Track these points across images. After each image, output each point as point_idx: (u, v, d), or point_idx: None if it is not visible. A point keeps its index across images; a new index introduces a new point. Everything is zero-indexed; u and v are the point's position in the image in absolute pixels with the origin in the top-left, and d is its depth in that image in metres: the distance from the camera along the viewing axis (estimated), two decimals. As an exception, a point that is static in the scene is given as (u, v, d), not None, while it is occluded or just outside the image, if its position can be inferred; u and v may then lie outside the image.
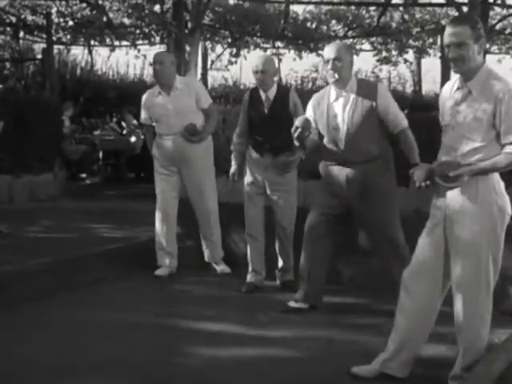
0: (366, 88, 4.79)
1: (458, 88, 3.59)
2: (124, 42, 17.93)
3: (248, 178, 5.60)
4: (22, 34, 16.79)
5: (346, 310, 5.08)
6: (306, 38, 17.99)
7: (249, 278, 5.60)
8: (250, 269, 5.61)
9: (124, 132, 13.26)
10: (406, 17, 17.52)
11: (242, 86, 17.23)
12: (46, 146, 10.37)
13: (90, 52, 17.75)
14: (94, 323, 4.76)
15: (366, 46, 19.30)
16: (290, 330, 4.65)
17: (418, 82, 20.40)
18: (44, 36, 15.91)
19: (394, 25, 17.83)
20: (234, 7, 17.53)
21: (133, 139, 12.73)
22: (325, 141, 4.86)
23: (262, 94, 5.51)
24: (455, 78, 3.65)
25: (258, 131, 5.52)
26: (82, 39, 17.67)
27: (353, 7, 17.74)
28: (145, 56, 17.26)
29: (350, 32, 18.47)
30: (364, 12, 17.94)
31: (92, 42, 17.80)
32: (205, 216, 6.10)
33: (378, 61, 18.95)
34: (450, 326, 3.67)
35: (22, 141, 9.88)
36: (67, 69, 16.76)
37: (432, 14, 17.84)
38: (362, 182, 4.74)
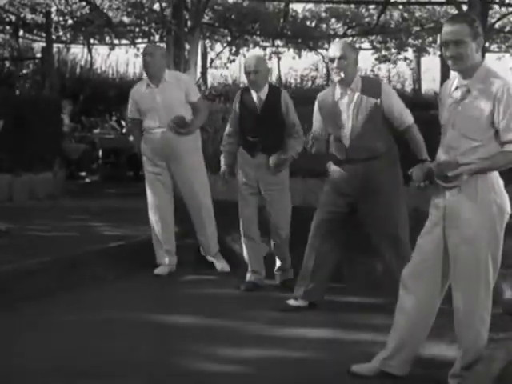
0: (371, 86, 4.81)
1: (457, 87, 3.59)
2: (123, 41, 17.94)
3: (241, 179, 5.58)
4: (21, 32, 16.80)
5: (345, 308, 5.08)
6: (305, 37, 18.01)
7: (248, 277, 5.61)
8: (249, 269, 5.61)
9: (124, 131, 13.26)
10: (406, 15, 17.53)
11: (241, 85, 17.23)
12: (46, 145, 10.36)
13: (90, 51, 17.75)
14: (93, 322, 4.76)
15: (366, 44, 19.32)
16: (290, 329, 4.65)
17: (417, 81, 20.41)
18: (43, 35, 15.93)
19: (393, 23, 17.84)
20: (234, 6, 17.52)
21: (132, 138, 12.71)
22: (331, 139, 4.88)
23: (254, 95, 5.48)
24: (454, 76, 3.65)
25: (249, 131, 5.49)
26: (82, 38, 17.67)
27: (352, 5, 17.74)
28: (144, 54, 17.26)
29: (350, 30, 18.47)
30: (363, 10, 17.94)
31: (91, 41, 17.80)
32: (196, 211, 6.09)
33: (376, 59, 18.96)
34: (449, 324, 3.67)
35: (21, 140, 9.88)
36: (67, 67, 16.78)
37: (431, 12, 17.85)
38: (367, 179, 4.76)
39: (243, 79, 17.95)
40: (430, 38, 18.47)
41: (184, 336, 4.50)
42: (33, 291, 5.16)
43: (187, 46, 13.69)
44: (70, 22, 16.64)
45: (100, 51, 18.74)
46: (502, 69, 16.68)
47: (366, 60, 18.97)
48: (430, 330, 3.74)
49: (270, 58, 19.27)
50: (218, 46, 19.18)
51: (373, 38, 18.74)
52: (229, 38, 18.40)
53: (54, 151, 10.79)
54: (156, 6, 15.98)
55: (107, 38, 17.86)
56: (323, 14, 18.26)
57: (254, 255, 5.60)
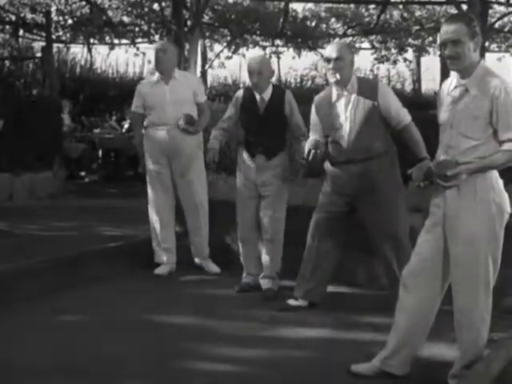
0: (367, 87, 4.81)
1: (456, 86, 3.59)
2: (123, 40, 17.94)
3: (240, 181, 5.50)
4: (21, 32, 16.79)
5: (345, 308, 5.07)
6: (305, 36, 18.01)
7: (243, 277, 5.59)
8: (244, 270, 5.60)
9: (124, 130, 13.26)
10: (406, 15, 17.53)
11: (241, 85, 17.23)
12: (46, 145, 10.37)
13: (90, 50, 17.76)
14: (93, 322, 4.76)
15: (366, 44, 19.31)
16: (290, 329, 4.65)
17: (417, 81, 20.40)
18: (43, 34, 15.92)
19: (393, 23, 17.83)
20: (234, 5, 17.52)
21: (133, 133, 12.68)
22: (329, 140, 4.88)
23: (257, 96, 5.37)
24: (453, 76, 3.66)
25: (251, 132, 5.41)
26: (82, 37, 17.67)
27: (352, 5, 17.74)
28: (144, 54, 17.28)
29: (350, 30, 18.47)
30: (363, 10, 17.94)
31: (91, 41, 17.81)
32: (193, 209, 6.08)
33: (376, 59, 18.95)
34: (449, 324, 3.67)
35: (21, 139, 9.89)
36: (67, 67, 16.77)
37: (431, 12, 17.85)
38: (366, 179, 4.76)
39: (243, 79, 17.97)
40: (430, 38, 18.46)
41: (184, 336, 4.50)
42: (33, 291, 5.16)
43: (187, 46, 13.70)
44: (69, 21, 16.64)
45: (100, 51, 18.76)
46: (503, 69, 16.68)
47: (366, 60, 18.97)
48: (430, 330, 3.74)
49: (270, 58, 19.27)
50: (218, 47, 19.18)
51: (372, 37, 18.72)
52: (228, 38, 18.39)
53: (53, 151, 10.80)
54: (156, 6, 15.98)
55: (107, 38, 17.85)
56: (323, 14, 18.26)
57: (248, 259, 5.56)
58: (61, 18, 16.51)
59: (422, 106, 14.05)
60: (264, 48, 19.12)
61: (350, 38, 18.55)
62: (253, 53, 18.98)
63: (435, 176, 3.56)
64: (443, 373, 3.67)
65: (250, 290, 5.47)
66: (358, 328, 4.64)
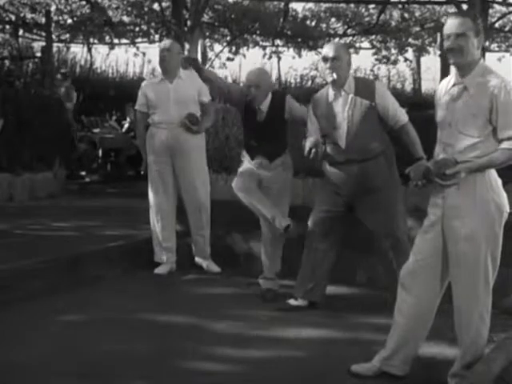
0: (364, 87, 4.80)
1: (454, 84, 3.59)
2: (123, 40, 17.95)
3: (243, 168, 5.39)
4: (21, 31, 16.81)
5: (346, 308, 5.08)
6: (305, 36, 18.02)
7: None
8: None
9: (124, 129, 13.27)
10: (406, 15, 17.54)
11: (241, 84, 17.20)
12: (46, 145, 10.38)
13: (90, 50, 17.77)
14: (93, 322, 4.76)
15: (366, 44, 19.32)
16: (290, 328, 4.65)
17: (417, 81, 20.41)
18: (43, 34, 15.93)
19: (393, 23, 17.84)
20: (234, 5, 17.52)
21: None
22: (326, 140, 4.88)
23: (256, 106, 5.28)
24: (452, 74, 3.66)
25: (251, 138, 5.37)
26: (82, 37, 17.68)
27: (352, 5, 17.75)
28: (144, 54, 17.29)
29: (350, 30, 18.49)
30: (363, 10, 17.96)
31: (91, 40, 17.81)
32: (196, 208, 6.07)
33: (377, 59, 18.96)
34: (449, 324, 3.67)
35: (21, 139, 9.89)
36: (66, 67, 16.75)
37: (431, 12, 17.87)
38: (363, 179, 4.76)
39: (243, 79, 17.95)
40: (430, 38, 18.46)
41: (184, 336, 4.50)
42: (33, 291, 5.16)
43: (187, 46, 13.70)
44: (69, 21, 16.65)
45: (100, 50, 18.78)
46: (503, 69, 16.67)
47: (367, 59, 18.98)
48: (430, 330, 3.74)
49: (270, 58, 19.30)
50: (218, 46, 19.19)
51: (373, 37, 18.73)
52: (228, 38, 18.40)
53: (53, 151, 10.80)
54: (156, 6, 15.99)
55: (107, 38, 17.86)
56: (323, 14, 18.26)
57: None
58: (61, 18, 16.52)
59: (422, 105, 14.07)
60: (264, 48, 19.12)
61: (350, 38, 18.56)
62: (253, 53, 19.04)
63: (434, 175, 3.55)
64: (443, 373, 3.67)
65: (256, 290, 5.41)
66: (358, 328, 4.64)
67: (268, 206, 5.20)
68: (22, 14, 16.08)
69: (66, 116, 12.09)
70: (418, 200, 5.30)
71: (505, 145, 3.44)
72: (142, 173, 6.37)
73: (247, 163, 5.42)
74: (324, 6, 18.05)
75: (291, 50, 19.17)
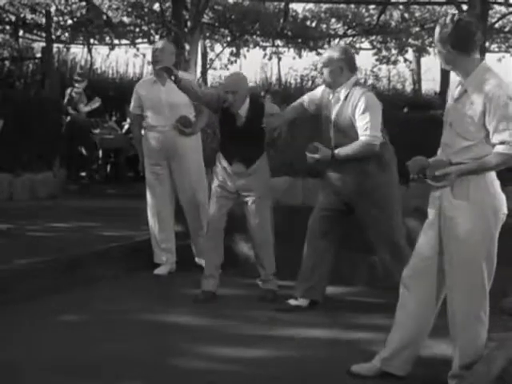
0: (354, 95, 4.80)
1: (458, 85, 3.60)
2: (123, 41, 17.92)
3: (214, 187, 5.39)
4: (21, 32, 16.78)
5: (345, 308, 5.08)
6: (305, 37, 18.00)
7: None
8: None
9: (124, 130, 13.25)
10: (406, 15, 17.52)
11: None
12: (46, 145, 10.37)
13: (90, 51, 17.73)
14: (93, 322, 4.76)
15: (366, 44, 19.30)
16: (290, 328, 4.65)
17: (417, 81, 20.39)
18: (43, 34, 15.91)
19: (393, 23, 17.83)
20: (234, 5, 17.51)
21: (132, 134, 12.67)
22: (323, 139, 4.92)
23: (235, 111, 5.24)
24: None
25: (228, 142, 5.31)
26: (82, 38, 17.66)
27: (352, 5, 17.73)
28: (144, 55, 17.27)
29: (350, 30, 18.46)
30: (364, 10, 17.93)
31: (91, 41, 17.78)
32: (194, 209, 6.08)
33: (377, 60, 18.95)
34: (449, 324, 3.67)
35: (21, 139, 9.89)
36: (67, 67, 16.74)
37: (432, 12, 17.84)
38: (359, 181, 4.79)
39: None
40: (431, 38, 18.43)
41: (184, 336, 4.50)
42: (32, 291, 5.16)
43: (187, 47, 13.69)
44: (69, 21, 16.64)
45: (100, 51, 18.73)
46: (503, 70, 16.67)
47: (367, 60, 18.95)
48: (431, 330, 3.74)
49: (271, 58, 19.29)
50: (219, 47, 19.17)
51: (373, 38, 18.72)
52: (229, 38, 18.39)
53: (53, 151, 10.80)
54: (156, 7, 15.98)
55: (107, 38, 17.83)
56: (323, 14, 18.24)
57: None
58: (61, 19, 16.50)
59: (422, 106, 14.07)
60: (264, 48, 19.11)
61: (351, 39, 18.55)
62: (253, 53, 19.04)
63: (427, 176, 3.56)
64: (444, 372, 3.67)
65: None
66: (358, 328, 4.64)
67: (213, 262, 5.41)
68: (22, 15, 16.04)
69: (79, 118, 12.09)
70: (419, 201, 5.29)
71: (497, 149, 3.43)
72: (141, 174, 6.37)
73: (220, 173, 5.35)
74: (324, 6, 18.02)
75: (291, 50, 19.14)
